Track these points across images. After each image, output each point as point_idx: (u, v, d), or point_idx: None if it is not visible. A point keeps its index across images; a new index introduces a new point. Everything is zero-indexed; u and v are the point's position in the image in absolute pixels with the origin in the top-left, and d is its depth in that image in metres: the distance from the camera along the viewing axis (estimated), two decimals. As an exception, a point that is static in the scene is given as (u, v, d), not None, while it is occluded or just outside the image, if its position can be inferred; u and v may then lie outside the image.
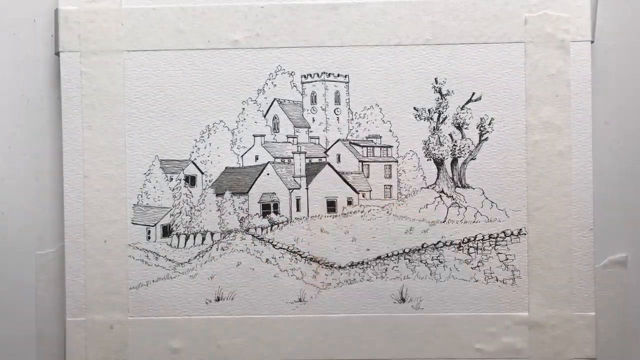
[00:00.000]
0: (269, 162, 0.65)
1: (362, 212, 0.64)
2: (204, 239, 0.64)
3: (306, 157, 0.65)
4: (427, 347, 0.64)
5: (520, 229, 0.64)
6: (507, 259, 0.64)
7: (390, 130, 0.64)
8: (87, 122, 0.64)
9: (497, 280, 0.64)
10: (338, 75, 0.64)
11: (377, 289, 0.64)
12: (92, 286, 0.64)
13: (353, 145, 0.65)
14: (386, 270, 0.64)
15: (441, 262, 0.64)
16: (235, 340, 0.64)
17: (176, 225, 0.65)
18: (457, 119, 0.64)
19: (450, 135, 0.64)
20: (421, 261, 0.64)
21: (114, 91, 0.64)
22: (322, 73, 0.64)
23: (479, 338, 0.64)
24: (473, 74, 0.63)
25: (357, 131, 0.64)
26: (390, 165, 0.64)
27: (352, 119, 0.64)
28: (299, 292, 0.64)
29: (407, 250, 0.64)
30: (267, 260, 0.64)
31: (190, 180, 0.65)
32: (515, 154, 0.63)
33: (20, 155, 0.65)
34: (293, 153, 0.65)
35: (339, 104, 0.65)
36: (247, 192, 0.65)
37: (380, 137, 0.64)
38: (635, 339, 0.65)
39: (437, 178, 0.64)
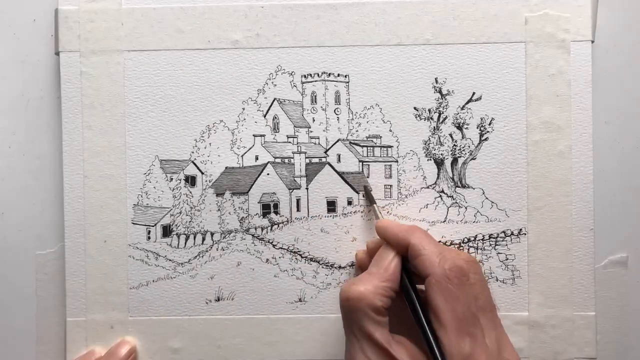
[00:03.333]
0: (269, 162, 0.65)
1: (362, 212, 0.64)
2: (204, 239, 0.64)
3: (306, 157, 0.65)
4: (427, 347, 0.64)
5: (521, 229, 0.63)
6: (507, 259, 0.64)
7: (391, 130, 0.64)
8: (87, 122, 0.64)
9: (497, 280, 0.64)
10: (338, 75, 0.64)
11: (377, 289, 0.64)
12: (92, 286, 0.64)
13: (353, 145, 0.65)
14: (386, 270, 0.64)
15: (441, 262, 0.64)
16: (235, 340, 0.64)
17: (176, 225, 0.65)
18: (457, 119, 0.64)
19: (451, 135, 0.64)
20: (421, 261, 0.64)
21: (114, 91, 0.64)
22: (322, 73, 0.64)
23: (479, 338, 0.64)
24: (473, 74, 0.63)
25: (357, 131, 0.64)
26: (390, 165, 0.64)
27: (352, 119, 0.64)
28: (299, 292, 0.64)
29: (407, 250, 0.64)
30: (267, 260, 0.64)
31: (190, 180, 0.65)
32: (515, 154, 0.63)
33: (20, 155, 0.65)
34: (293, 153, 0.65)
35: (339, 104, 0.65)
36: (247, 192, 0.65)
37: (381, 137, 0.64)
38: (635, 339, 0.65)
39: (437, 178, 0.64)
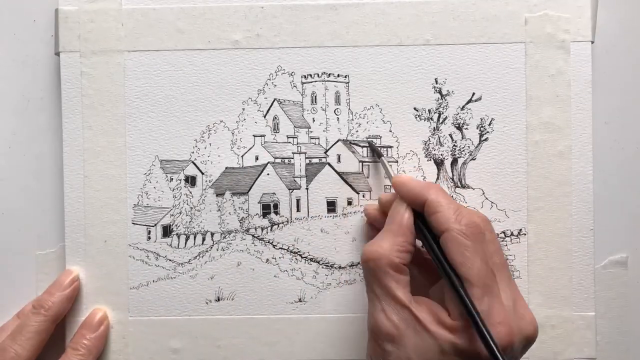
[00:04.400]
0: (269, 162, 0.65)
1: (362, 212, 0.64)
2: (204, 239, 0.64)
3: (306, 157, 0.65)
4: (427, 347, 0.64)
5: (520, 229, 0.64)
6: (507, 259, 0.64)
7: (391, 131, 0.64)
8: (87, 122, 0.64)
9: (497, 280, 0.64)
10: (338, 76, 0.64)
11: (377, 289, 0.64)
12: (92, 286, 0.64)
13: (353, 146, 0.65)
14: (386, 270, 0.64)
15: (441, 263, 0.64)
16: (235, 340, 0.64)
17: (176, 225, 0.65)
18: (457, 119, 0.64)
19: (451, 135, 0.64)
20: (421, 261, 0.64)
21: (114, 91, 0.64)
22: (322, 73, 0.64)
23: (478, 338, 0.64)
24: (473, 74, 0.63)
25: (357, 131, 0.64)
26: (390, 165, 0.64)
27: (352, 119, 0.64)
28: (299, 292, 0.64)
29: (407, 251, 0.64)
30: (267, 260, 0.64)
31: (191, 181, 0.65)
32: (515, 154, 0.63)
33: (20, 155, 0.65)
34: (293, 153, 0.65)
35: (339, 104, 0.65)
36: (247, 192, 0.65)
37: (381, 137, 0.64)
38: (635, 339, 0.65)
39: (437, 178, 0.64)
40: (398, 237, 0.55)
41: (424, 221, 0.56)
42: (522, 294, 0.55)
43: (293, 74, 0.64)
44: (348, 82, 0.64)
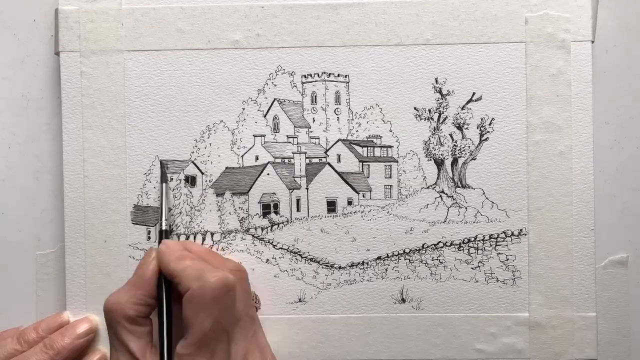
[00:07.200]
0: (269, 162, 0.65)
1: (362, 212, 0.64)
2: (204, 239, 0.64)
3: (306, 157, 0.65)
4: (427, 347, 0.64)
5: (521, 229, 0.63)
6: (508, 260, 0.64)
7: (391, 130, 0.64)
8: (87, 122, 0.64)
9: (497, 280, 0.64)
10: (338, 75, 0.64)
11: (377, 289, 0.64)
12: (92, 286, 0.64)
13: (353, 145, 0.65)
14: (386, 270, 0.64)
15: (441, 263, 0.64)
16: (235, 341, 0.64)
17: (176, 225, 0.65)
18: (457, 119, 0.64)
19: (451, 135, 0.64)
20: (421, 261, 0.64)
21: (114, 91, 0.64)
22: (322, 73, 0.64)
23: (479, 338, 0.64)
24: (473, 74, 0.63)
25: (357, 131, 0.64)
26: (390, 165, 0.64)
27: (353, 119, 0.64)
28: (299, 292, 0.64)
29: (407, 251, 0.64)
30: (267, 260, 0.64)
31: (190, 181, 0.65)
32: (515, 154, 0.63)
33: (20, 155, 0.65)
34: (293, 153, 0.65)
35: (339, 104, 0.65)
36: (247, 192, 0.65)
37: (381, 137, 0.64)
38: (636, 339, 0.65)
39: (438, 178, 0.64)
40: (138, 290, 0.56)
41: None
42: (265, 346, 0.57)
43: (293, 73, 0.64)
44: (348, 82, 0.64)
